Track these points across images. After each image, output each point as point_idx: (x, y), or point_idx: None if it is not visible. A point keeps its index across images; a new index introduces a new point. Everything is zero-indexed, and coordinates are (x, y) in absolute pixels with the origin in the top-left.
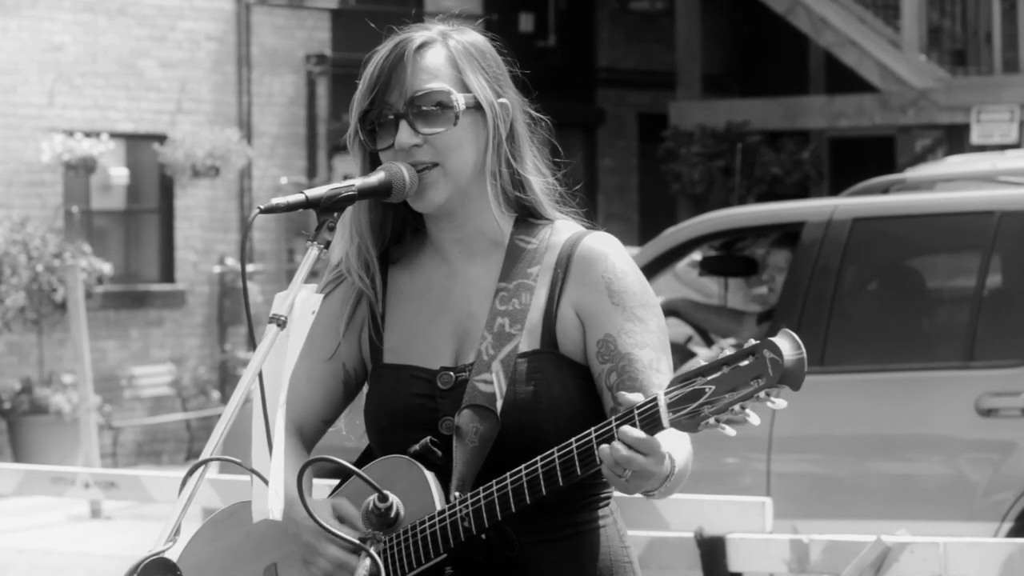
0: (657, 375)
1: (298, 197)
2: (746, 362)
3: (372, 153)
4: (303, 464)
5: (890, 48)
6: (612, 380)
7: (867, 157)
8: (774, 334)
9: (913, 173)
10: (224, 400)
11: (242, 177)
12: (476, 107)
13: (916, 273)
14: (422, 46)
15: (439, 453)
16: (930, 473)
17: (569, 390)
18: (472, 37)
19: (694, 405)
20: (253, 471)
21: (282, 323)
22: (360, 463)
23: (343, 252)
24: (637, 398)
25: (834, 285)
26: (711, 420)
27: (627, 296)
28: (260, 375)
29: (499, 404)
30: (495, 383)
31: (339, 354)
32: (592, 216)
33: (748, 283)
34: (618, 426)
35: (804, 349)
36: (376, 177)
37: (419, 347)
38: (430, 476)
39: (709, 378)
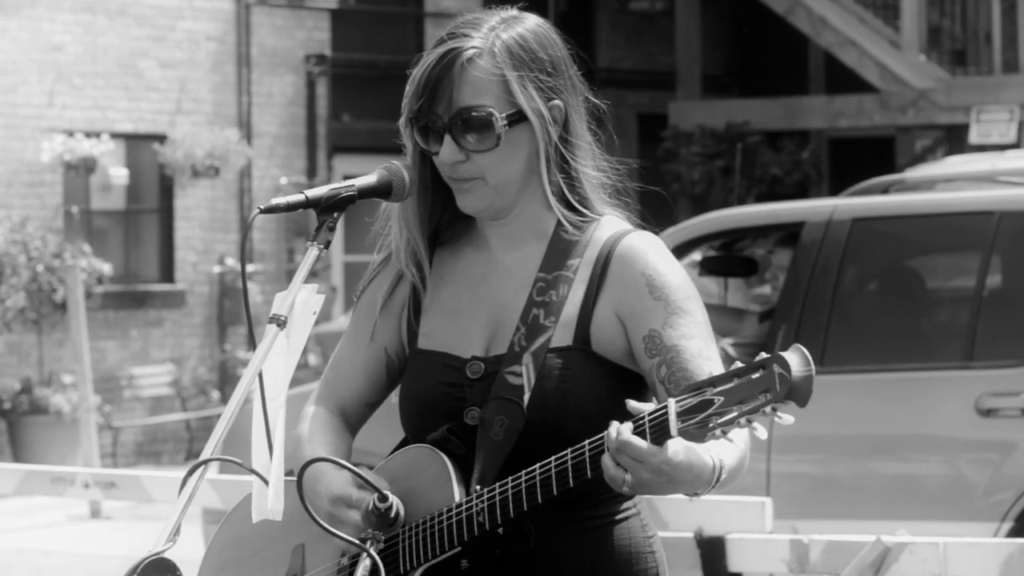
0: (708, 363)
1: (298, 197)
2: (756, 375)
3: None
4: (303, 465)
5: (890, 48)
6: (662, 373)
7: (867, 157)
8: (774, 334)
9: (913, 173)
10: (224, 400)
11: (242, 177)
12: (523, 119)
13: (916, 273)
14: (469, 59)
15: (457, 442)
16: (930, 473)
17: (598, 389)
18: (522, 29)
19: (703, 415)
20: (253, 471)
21: (282, 323)
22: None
23: (393, 241)
24: (647, 407)
25: (834, 285)
26: (717, 432)
27: (668, 291)
28: (260, 375)
29: (526, 398)
30: (524, 376)
31: (379, 337)
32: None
33: (748, 283)
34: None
35: (813, 365)
36: (376, 177)
37: (452, 335)
38: (452, 468)
39: (719, 389)
